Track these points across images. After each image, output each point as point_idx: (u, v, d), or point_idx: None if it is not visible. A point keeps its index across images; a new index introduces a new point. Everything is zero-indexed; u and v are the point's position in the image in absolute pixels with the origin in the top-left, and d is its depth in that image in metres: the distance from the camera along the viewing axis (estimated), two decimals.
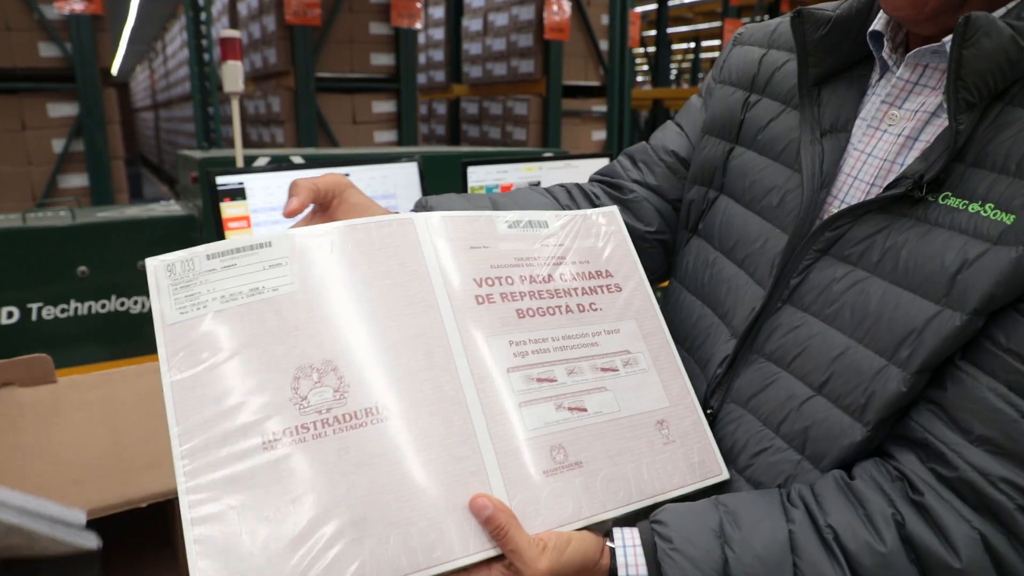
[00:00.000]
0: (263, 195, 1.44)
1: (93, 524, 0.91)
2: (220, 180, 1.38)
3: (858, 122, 0.64)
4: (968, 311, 0.52)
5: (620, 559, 0.57)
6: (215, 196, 1.38)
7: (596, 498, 0.59)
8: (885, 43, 0.62)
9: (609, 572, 0.57)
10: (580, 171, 1.91)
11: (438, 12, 6.53)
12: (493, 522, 0.54)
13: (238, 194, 1.40)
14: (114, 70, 16.83)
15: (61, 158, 3.74)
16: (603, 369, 0.65)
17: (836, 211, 0.62)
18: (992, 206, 0.53)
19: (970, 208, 0.54)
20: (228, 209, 1.38)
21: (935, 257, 0.54)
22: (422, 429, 0.56)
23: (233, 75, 1.79)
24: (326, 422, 0.54)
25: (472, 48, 6.19)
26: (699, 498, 0.62)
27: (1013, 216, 0.51)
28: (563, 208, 0.80)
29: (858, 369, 0.57)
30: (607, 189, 0.84)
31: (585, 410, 0.62)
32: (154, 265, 0.59)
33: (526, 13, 5.38)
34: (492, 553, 0.54)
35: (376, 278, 0.60)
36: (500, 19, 5.78)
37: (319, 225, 0.62)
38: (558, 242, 0.69)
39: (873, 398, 0.56)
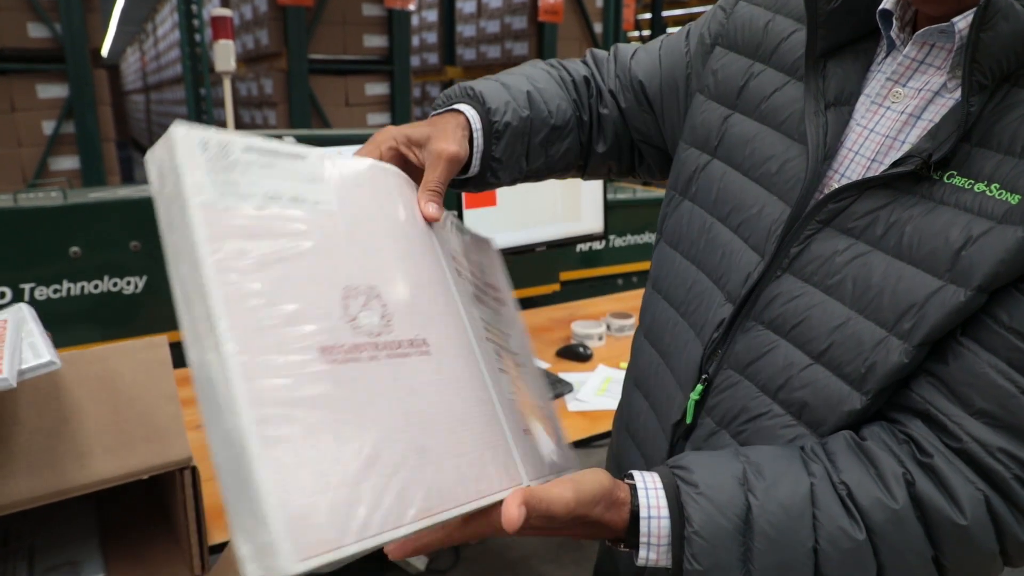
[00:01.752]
0: None
1: (89, 494, 0.91)
2: None
3: (862, 98, 0.65)
4: (972, 287, 0.53)
5: (643, 500, 0.58)
6: None
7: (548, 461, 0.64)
8: (894, 21, 0.63)
9: (631, 511, 0.58)
10: None
11: None
12: (529, 517, 0.52)
13: None
14: (104, 52, 16.60)
15: (52, 140, 3.72)
16: (516, 363, 0.69)
17: (837, 185, 0.63)
18: (998, 186, 0.53)
19: (975, 187, 0.55)
20: None
21: (939, 234, 0.55)
22: (455, 368, 0.56)
23: (225, 54, 1.78)
24: (378, 345, 0.51)
25: (466, 30, 6.16)
26: None
27: (1018, 196, 0.52)
28: (570, 95, 0.84)
29: (859, 340, 0.58)
30: (591, 91, 0.87)
31: (523, 390, 0.67)
32: (183, 134, 0.48)
33: None
34: (527, 484, 0.56)
35: (399, 221, 0.61)
36: (494, 1, 5.74)
37: (350, 157, 0.62)
38: (467, 252, 0.73)
39: (874, 368, 0.58)
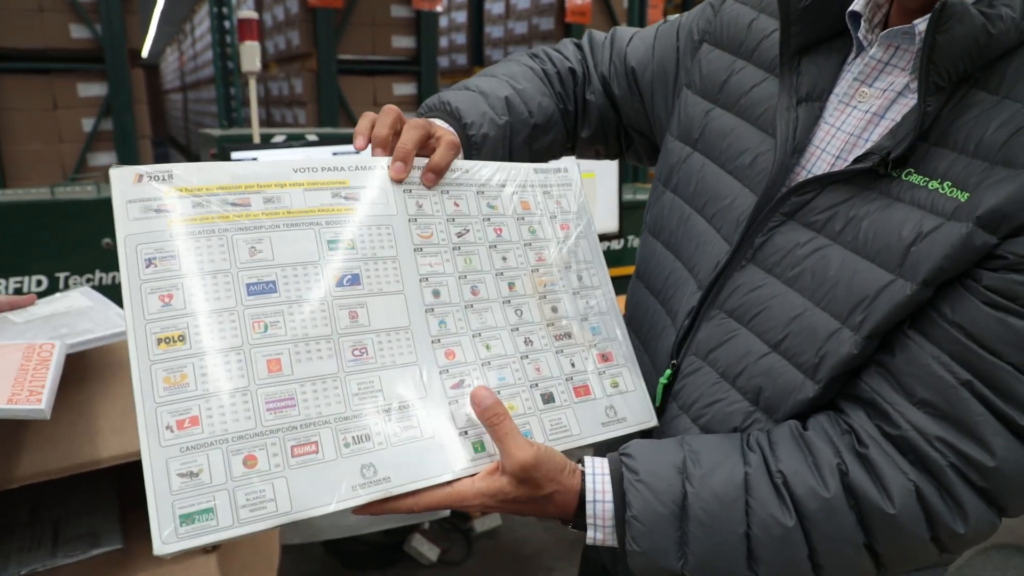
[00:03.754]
0: None
1: (112, 472, 0.97)
2: (235, 156, 1.44)
3: (831, 97, 0.67)
4: (918, 281, 0.55)
5: (589, 484, 0.62)
6: None
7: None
8: (862, 23, 0.65)
9: (578, 495, 0.62)
10: None
11: None
12: (492, 410, 0.60)
13: None
14: (144, 52, 17.01)
15: (90, 137, 3.85)
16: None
17: (801, 179, 0.65)
18: (950, 184, 0.55)
19: (930, 185, 0.57)
20: None
21: (893, 229, 0.57)
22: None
23: (250, 55, 1.85)
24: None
25: (494, 31, 6.20)
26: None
27: (967, 194, 0.54)
28: (553, 89, 0.86)
29: (814, 330, 0.61)
30: (577, 79, 0.88)
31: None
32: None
33: None
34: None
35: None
36: (522, 2, 5.78)
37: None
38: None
39: (826, 358, 0.60)
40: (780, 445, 0.61)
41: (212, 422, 0.52)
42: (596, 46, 0.91)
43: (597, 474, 0.63)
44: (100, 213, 1.87)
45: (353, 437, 0.56)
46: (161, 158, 10.03)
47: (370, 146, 0.69)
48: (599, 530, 0.62)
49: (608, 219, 2.08)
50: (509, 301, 0.70)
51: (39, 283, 1.80)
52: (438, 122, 0.76)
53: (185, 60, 12.58)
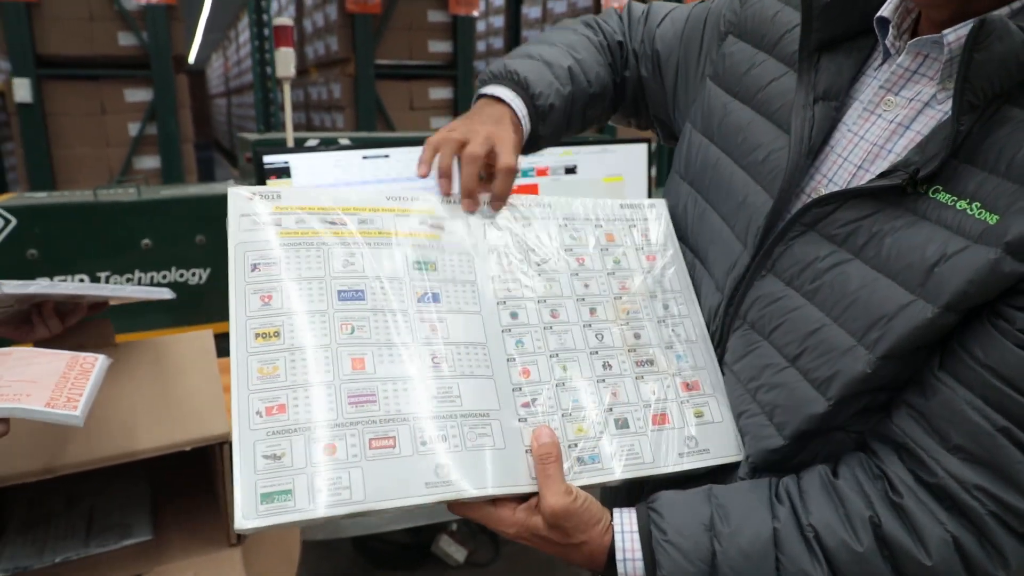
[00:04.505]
0: (307, 173, 1.52)
1: (137, 462, 1.00)
2: (267, 159, 1.47)
3: (855, 104, 0.65)
4: (940, 304, 0.53)
5: (618, 543, 0.62)
6: (261, 174, 1.47)
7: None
8: (891, 29, 0.63)
9: (608, 551, 0.62)
10: (617, 155, 1.93)
11: (498, 0, 6.57)
12: (546, 449, 0.61)
13: (283, 172, 1.49)
14: (191, 58, 17.45)
15: (136, 140, 3.97)
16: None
17: (824, 190, 0.64)
18: (979, 205, 0.53)
19: (958, 205, 0.54)
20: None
21: (917, 248, 0.55)
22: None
23: (285, 61, 1.89)
24: None
25: (531, 35, 6.21)
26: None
27: (996, 216, 0.52)
28: (607, 59, 0.89)
29: (830, 346, 0.59)
30: (624, 53, 0.91)
31: None
32: None
33: (584, 0, 5.37)
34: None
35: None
36: (559, 6, 5.78)
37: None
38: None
39: (838, 375, 0.58)
40: (810, 495, 0.60)
41: (298, 411, 0.57)
42: (634, 21, 0.92)
43: (626, 532, 0.62)
44: (140, 215, 1.93)
45: (430, 436, 0.59)
46: (205, 162, 10.26)
47: (433, 173, 0.73)
48: None
49: None
50: (590, 325, 0.71)
51: (81, 282, 1.86)
52: (506, 95, 0.79)
53: (229, 66, 12.87)
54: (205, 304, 2.03)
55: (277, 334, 0.60)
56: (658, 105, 0.89)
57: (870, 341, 0.57)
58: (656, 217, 0.81)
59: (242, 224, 0.64)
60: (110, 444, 0.99)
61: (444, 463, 0.58)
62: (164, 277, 1.99)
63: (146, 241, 1.95)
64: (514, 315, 0.69)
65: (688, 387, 0.70)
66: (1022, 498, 0.52)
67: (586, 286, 0.73)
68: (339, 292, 0.63)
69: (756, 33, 0.75)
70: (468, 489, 0.58)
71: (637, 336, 0.72)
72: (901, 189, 0.57)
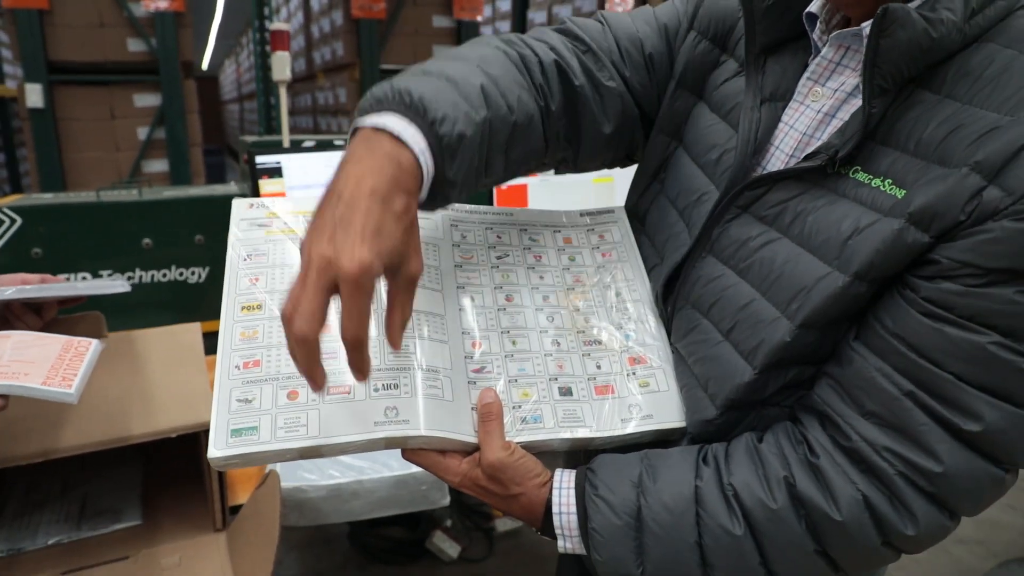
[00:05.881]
0: (299, 173, 1.57)
1: (130, 451, 1.03)
2: (259, 160, 1.52)
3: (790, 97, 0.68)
4: (850, 273, 0.56)
5: (555, 497, 0.66)
6: (255, 174, 1.52)
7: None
8: (818, 24, 0.66)
9: (545, 505, 0.66)
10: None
11: (505, 5, 6.62)
12: (489, 408, 0.65)
13: (275, 172, 1.53)
14: (204, 65, 17.66)
15: (145, 145, 4.04)
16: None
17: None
18: (890, 181, 0.56)
19: (873, 183, 0.57)
20: (266, 186, 1.51)
21: (834, 224, 0.59)
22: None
23: (281, 65, 1.93)
24: None
25: None
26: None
27: (904, 191, 0.55)
28: (533, 80, 0.71)
29: (758, 318, 0.63)
30: (564, 68, 0.73)
31: None
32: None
33: (589, 5, 5.41)
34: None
35: None
36: (564, 11, 5.83)
37: None
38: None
39: (762, 344, 0.62)
40: (734, 458, 0.63)
41: (270, 365, 0.65)
42: (591, 29, 0.77)
43: (563, 487, 0.66)
44: (141, 215, 1.97)
45: (383, 384, 0.64)
46: (215, 167, 10.37)
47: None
48: (567, 539, 0.66)
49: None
50: (542, 309, 0.76)
51: (83, 280, 1.91)
52: (394, 125, 0.57)
53: (241, 72, 13.00)
54: (204, 301, 2.08)
55: (260, 307, 0.69)
56: (653, 109, 0.80)
57: (791, 312, 0.60)
58: (614, 220, 0.86)
59: (241, 227, 0.76)
60: (103, 429, 1.03)
61: (394, 406, 0.63)
62: (164, 275, 2.04)
63: (147, 240, 2.00)
64: (472, 298, 0.74)
65: (635, 361, 0.74)
66: (928, 457, 0.55)
67: (541, 278, 0.78)
68: None
69: (718, 33, 0.77)
70: (414, 428, 0.62)
71: (587, 320, 0.76)
72: (823, 170, 0.61)
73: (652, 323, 0.77)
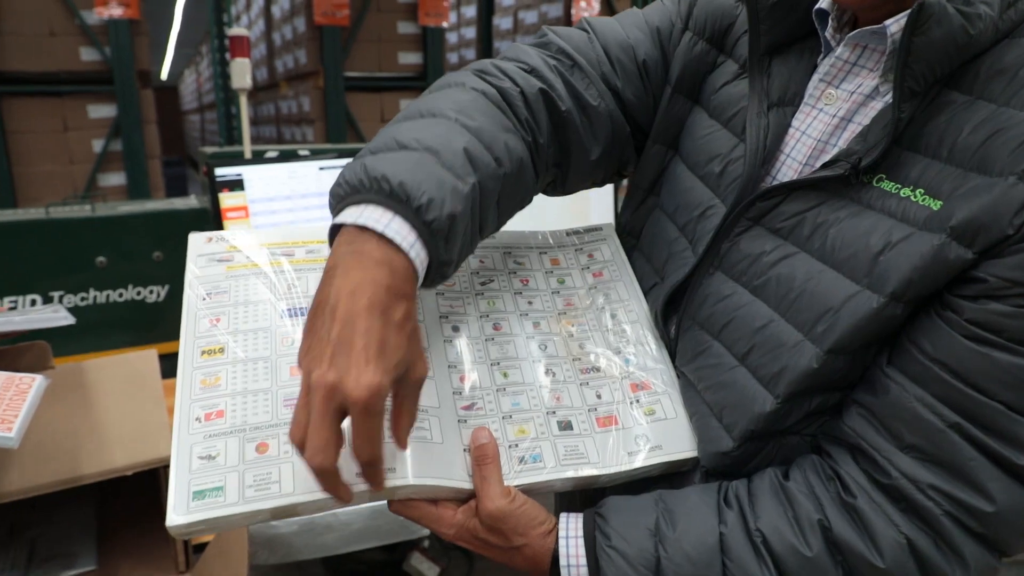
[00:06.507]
0: (261, 186, 1.49)
1: (83, 490, 0.96)
2: (219, 172, 1.44)
3: (799, 101, 0.63)
4: (885, 294, 0.51)
5: (563, 548, 0.59)
6: (214, 187, 1.43)
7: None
8: (830, 22, 0.61)
9: (551, 554, 0.59)
10: None
11: (470, 11, 6.58)
12: (483, 450, 0.58)
13: (236, 185, 1.45)
14: (164, 74, 17.35)
15: (100, 157, 3.91)
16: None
17: (768, 186, 0.62)
18: (922, 191, 0.52)
19: (902, 192, 0.53)
20: (227, 200, 1.43)
21: (861, 238, 0.54)
22: None
23: (241, 72, 1.86)
24: None
25: (503, 46, 6.23)
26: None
27: (940, 202, 0.50)
28: (518, 118, 0.65)
29: (778, 342, 0.57)
30: (571, 83, 0.68)
31: None
32: None
33: (555, 10, 5.39)
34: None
35: None
36: (530, 16, 5.80)
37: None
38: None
39: (785, 371, 0.56)
40: (759, 499, 0.57)
41: (235, 415, 0.59)
42: (576, 40, 0.71)
43: (571, 536, 0.60)
44: (95, 232, 1.88)
45: None
46: (175, 178, 10.16)
47: None
48: None
49: (603, 220, 2.05)
50: (533, 337, 0.70)
51: (33, 302, 1.81)
52: (375, 220, 0.52)
53: (202, 81, 12.78)
54: (164, 321, 1.98)
55: (222, 350, 0.63)
56: (647, 121, 0.74)
57: (816, 335, 0.55)
58: (603, 238, 0.80)
59: (198, 263, 0.70)
60: (52, 470, 0.96)
61: None
62: (120, 295, 1.94)
63: (101, 259, 1.90)
64: (456, 328, 0.68)
65: (638, 387, 0.68)
66: (978, 495, 0.50)
67: (530, 303, 0.73)
68: (284, 311, 0.67)
69: (714, 32, 0.71)
70: (401, 477, 0.56)
71: (582, 347, 0.70)
72: (845, 179, 0.56)
73: (652, 345, 0.71)
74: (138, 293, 1.95)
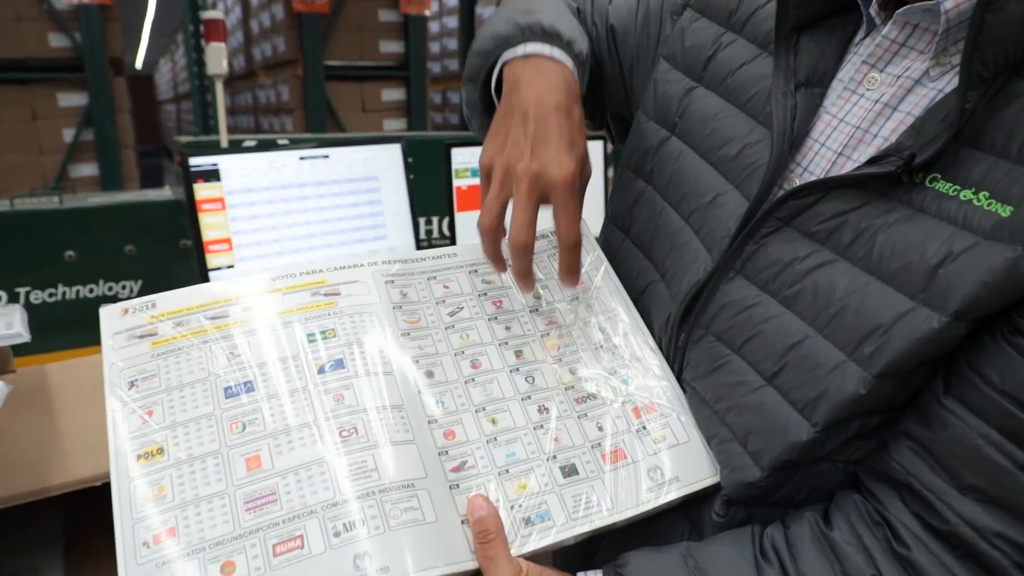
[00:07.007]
0: (239, 176, 1.41)
1: (50, 501, 0.92)
2: (194, 161, 1.36)
3: (834, 83, 0.58)
4: (948, 313, 0.45)
5: None
6: (189, 178, 1.36)
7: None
8: None
9: None
10: None
11: (452, 0, 6.49)
12: (483, 525, 0.51)
13: (212, 175, 1.38)
14: (138, 63, 17.00)
15: (71, 147, 3.78)
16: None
17: (799, 179, 0.56)
18: (987, 195, 0.45)
19: (961, 195, 0.46)
20: (202, 191, 1.36)
21: (915, 246, 0.47)
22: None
23: (216, 57, 1.77)
24: None
25: None
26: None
27: (1011, 208, 0.44)
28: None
29: (814, 362, 0.51)
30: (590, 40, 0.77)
31: None
32: None
33: None
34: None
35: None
36: None
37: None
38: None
39: (825, 396, 0.50)
40: (801, 551, 0.51)
41: (189, 531, 0.50)
42: (584, 9, 0.80)
43: None
44: (63, 225, 1.80)
45: (344, 524, 0.50)
46: (151, 170, 9.97)
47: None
48: None
49: (593, 224, 2.00)
50: (517, 369, 0.62)
51: None
52: (555, 73, 0.63)
53: (177, 71, 12.55)
54: None
55: (161, 451, 0.53)
56: (616, 97, 0.79)
57: (863, 356, 0.49)
58: None
59: (116, 342, 0.59)
60: (15, 482, 0.90)
61: (365, 551, 0.49)
62: (91, 291, 1.86)
63: (70, 253, 1.82)
64: (430, 373, 0.60)
65: (641, 411, 0.62)
66: None
67: (507, 329, 0.65)
68: (225, 389, 0.57)
69: (722, 8, 0.67)
70: (399, 574, 0.49)
71: (573, 371, 0.63)
72: (894, 178, 0.49)
73: (651, 358, 0.65)
74: (110, 289, 1.87)
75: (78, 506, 1.13)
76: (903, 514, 0.49)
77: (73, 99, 3.77)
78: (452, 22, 6.56)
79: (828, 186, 0.53)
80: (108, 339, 0.58)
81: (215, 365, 0.58)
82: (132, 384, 0.56)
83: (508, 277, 0.69)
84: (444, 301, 0.66)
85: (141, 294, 1.99)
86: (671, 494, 0.57)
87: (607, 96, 0.80)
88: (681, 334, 0.63)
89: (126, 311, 0.60)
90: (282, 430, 0.54)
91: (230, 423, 0.55)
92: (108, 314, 0.60)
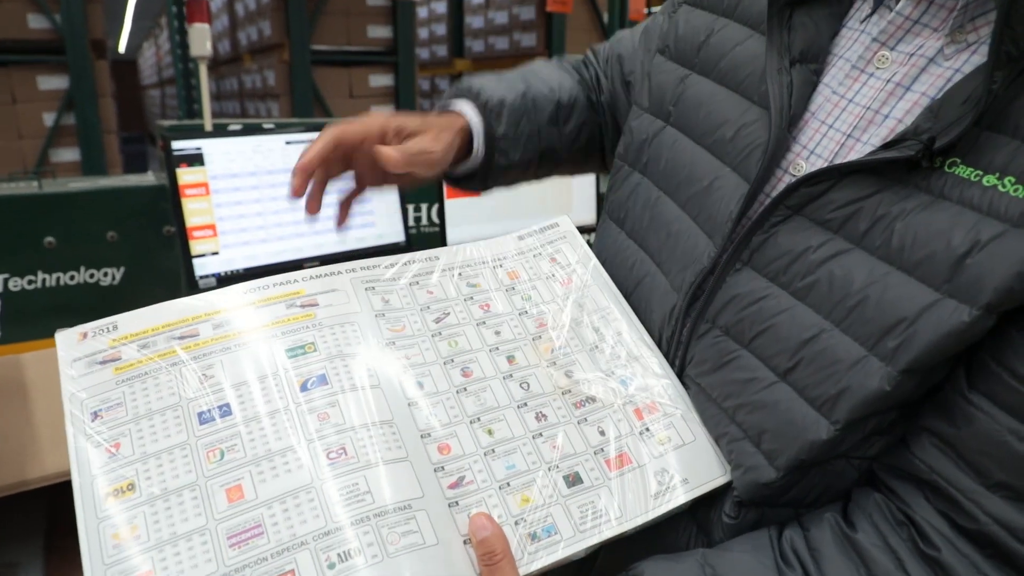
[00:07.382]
0: (223, 160, 1.38)
1: (33, 495, 0.89)
2: (176, 145, 1.33)
3: (840, 62, 0.56)
4: (979, 306, 0.43)
5: None
6: (171, 162, 1.33)
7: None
8: None
9: None
10: None
11: None
12: (487, 546, 0.49)
13: (196, 159, 1.35)
14: (122, 47, 16.73)
15: (52, 131, 3.70)
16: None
17: (805, 163, 0.55)
18: (1013, 180, 0.44)
19: (984, 180, 0.45)
20: (185, 175, 1.33)
21: (939, 235, 0.45)
22: None
23: (200, 38, 1.73)
24: None
25: (474, 21, 6.08)
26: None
27: None
28: (573, 76, 0.87)
29: (832, 357, 0.49)
30: (587, 71, 0.88)
31: None
32: None
33: (527, 14, 5.28)
34: None
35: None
36: None
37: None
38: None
39: (846, 393, 0.48)
40: (825, 556, 0.49)
41: (168, 573, 0.46)
42: (597, 49, 0.89)
43: None
44: (42, 210, 1.75)
45: (339, 555, 0.47)
46: (136, 155, 9.84)
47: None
48: None
49: (585, 211, 1.99)
50: (511, 375, 0.60)
51: None
52: (457, 104, 0.78)
53: (161, 55, 12.37)
54: (120, 306, 1.86)
55: (132, 487, 0.49)
56: (623, 116, 0.82)
57: (886, 351, 0.47)
58: (561, 236, 0.71)
59: (75, 370, 0.54)
60: (2, 473, 0.87)
61: None
62: (72, 278, 1.82)
63: (50, 239, 1.77)
64: (419, 384, 0.58)
65: (643, 412, 0.60)
66: None
67: (497, 333, 0.63)
68: (199, 415, 0.53)
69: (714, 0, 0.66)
70: None
71: (569, 374, 0.61)
72: (911, 163, 0.47)
73: (649, 356, 0.63)
74: (91, 276, 1.83)
75: (58, 500, 1.10)
76: (929, 513, 0.47)
77: (54, 82, 3.68)
78: (441, 8, 6.48)
79: (841, 172, 0.50)
80: (67, 367, 0.54)
81: (186, 389, 0.54)
82: (96, 415, 0.52)
83: (492, 280, 0.67)
84: (429, 307, 0.63)
85: (125, 282, 1.94)
86: (681, 497, 0.55)
87: (619, 119, 0.85)
88: (685, 326, 0.61)
89: (85, 335, 0.56)
90: (264, 455, 0.51)
91: (206, 451, 0.51)
92: (65, 339, 0.56)
